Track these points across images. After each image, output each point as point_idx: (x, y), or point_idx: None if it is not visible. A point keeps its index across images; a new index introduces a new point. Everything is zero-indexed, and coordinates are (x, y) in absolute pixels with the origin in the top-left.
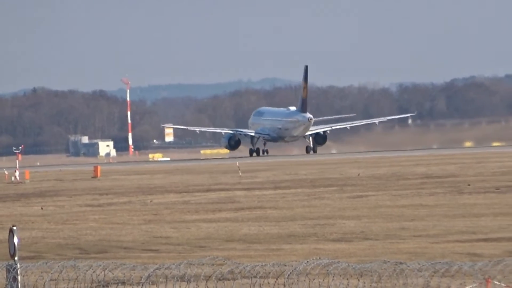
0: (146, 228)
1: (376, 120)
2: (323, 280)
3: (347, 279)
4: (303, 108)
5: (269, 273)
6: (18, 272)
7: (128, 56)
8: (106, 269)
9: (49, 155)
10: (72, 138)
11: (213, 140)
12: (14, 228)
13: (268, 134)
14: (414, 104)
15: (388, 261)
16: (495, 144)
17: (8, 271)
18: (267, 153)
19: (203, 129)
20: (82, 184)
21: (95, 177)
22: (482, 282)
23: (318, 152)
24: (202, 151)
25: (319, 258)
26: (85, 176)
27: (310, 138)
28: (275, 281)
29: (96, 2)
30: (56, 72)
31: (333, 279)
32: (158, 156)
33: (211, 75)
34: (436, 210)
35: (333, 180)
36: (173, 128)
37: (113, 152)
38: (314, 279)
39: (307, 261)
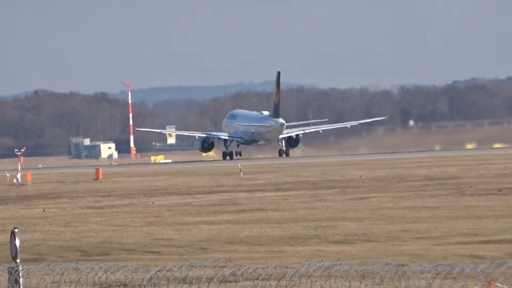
0: (148, 230)
1: (348, 124)
2: (325, 282)
3: (349, 281)
4: (275, 113)
5: (271, 275)
6: (20, 274)
7: (130, 58)
8: (108, 271)
9: (51, 157)
10: (74, 140)
11: None
12: (16, 230)
13: (241, 137)
14: (416, 106)
15: (390, 263)
16: (496, 146)
17: (10, 273)
18: (241, 154)
19: (178, 132)
20: (84, 186)
21: (97, 179)
22: (484, 284)
23: (290, 155)
24: (204, 154)
25: (321, 260)
26: (87, 178)
27: (283, 141)
28: (277, 283)
29: (98, 4)
30: (58, 74)
31: (335, 281)
32: (160, 158)
33: (212, 77)
34: (438, 212)
35: (335, 182)
36: (147, 131)
37: (115, 154)
38: (316, 281)
39: (309, 263)
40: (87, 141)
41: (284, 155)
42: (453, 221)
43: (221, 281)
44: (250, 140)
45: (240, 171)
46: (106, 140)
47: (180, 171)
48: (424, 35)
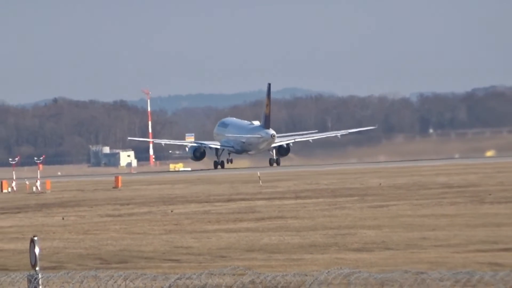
0: (167, 238)
1: (339, 133)
2: None
3: None
4: (266, 124)
5: (290, 283)
6: (40, 282)
7: (149, 66)
8: (127, 279)
9: (70, 165)
10: (93, 148)
11: None
12: (35, 238)
13: (232, 147)
14: (435, 114)
15: (409, 271)
16: None
17: (29, 281)
18: (232, 162)
19: (169, 141)
20: (103, 194)
21: (116, 187)
22: None
23: (281, 164)
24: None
25: (340, 268)
26: (106, 186)
27: (274, 150)
28: None
29: (118, 14)
30: (77, 82)
31: None
32: (179, 166)
33: (231, 85)
34: (457, 220)
35: (354, 190)
36: (138, 140)
37: (134, 162)
38: None
39: (328, 271)
40: (106, 149)
41: (274, 164)
42: (473, 228)
43: None
44: (241, 150)
45: (259, 179)
46: (125, 148)
47: (199, 179)
48: (443, 43)
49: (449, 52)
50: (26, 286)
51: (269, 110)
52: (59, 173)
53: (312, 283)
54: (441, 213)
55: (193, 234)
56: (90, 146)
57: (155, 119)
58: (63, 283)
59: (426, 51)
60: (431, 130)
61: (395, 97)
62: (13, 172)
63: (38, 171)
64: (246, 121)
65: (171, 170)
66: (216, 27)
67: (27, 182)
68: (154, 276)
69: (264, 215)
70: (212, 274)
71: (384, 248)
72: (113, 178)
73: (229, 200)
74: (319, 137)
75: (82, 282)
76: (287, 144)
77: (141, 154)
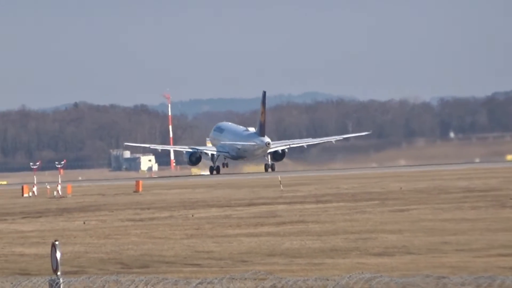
0: (188, 242)
1: (333, 139)
2: None
3: None
4: (261, 132)
5: (312, 287)
6: (61, 287)
7: (169, 71)
8: (148, 283)
9: (91, 170)
10: (114, 152)
11: None
12: (57, 242)
13: (227, 152)
14: (455, 118)
15: (431, 275)
16: None
17: (50, 286)
18: (227, 166)
19: (165, 147)
20: (124, 198)
21: (137, 191)
22: None
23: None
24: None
25: (362, 272)
26: (127, 190)
27: (269, 156)
28: None
29: (137, 19)
30: (98, 87)
31: None
32: (199, 171)
33: (252, 89)
34: (478, 224)
35: (375, 194)
36: (135, 146)
37: (155, 167)
38: None
39: (350, 276)
40: (127, 154)
41: (270, 169)
42: (494, 233)
43: None
44: (237, 156)
45: (280, 183)
46: (146, 152)
47: (219, 184)
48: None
49: (469, 56)
50: None
51: (264, 117)
52: (80, 178)
53: (333, 287)
54: (462, 218)
55: (214, 239)
56: (111, 150)
57: (175, 124)
58: (84, 287)
59: (446, 55)
60: (451, 134)
61: (415, 102)
62: (34, 176)
63: (59, 175)
64: (241, 127)
65: (192, 174)
66: (237, 31)
67: (48, 187)
68: (176, 280)
69: (285, 219)
70: (233, 278)
71: (405, 252)
72: (133, 183)
73: (250, 205)
74: (313, 143)
75: (103, 286)
76: (282, 150)
77: (162, 158)
